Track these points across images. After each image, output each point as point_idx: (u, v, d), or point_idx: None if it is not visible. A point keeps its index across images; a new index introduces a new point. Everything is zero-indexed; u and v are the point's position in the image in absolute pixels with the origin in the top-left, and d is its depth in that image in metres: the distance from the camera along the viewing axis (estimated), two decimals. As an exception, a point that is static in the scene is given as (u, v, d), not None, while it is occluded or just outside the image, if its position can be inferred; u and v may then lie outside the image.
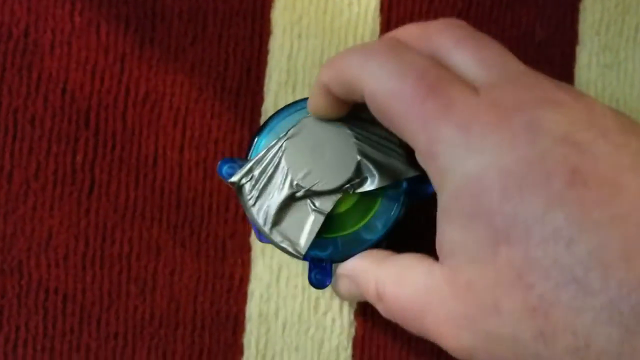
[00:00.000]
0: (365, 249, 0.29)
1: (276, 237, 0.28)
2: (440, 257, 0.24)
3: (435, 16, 0.37)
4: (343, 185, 0.28)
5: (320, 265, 0.29)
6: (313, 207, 0.28)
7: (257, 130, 0.30)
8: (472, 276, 0.22)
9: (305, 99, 0.30)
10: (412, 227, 0.35)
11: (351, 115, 0.29)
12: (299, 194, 0.28)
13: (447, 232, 0.23)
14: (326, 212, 0.28)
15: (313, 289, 0.35)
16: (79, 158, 0.34)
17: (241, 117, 0.35)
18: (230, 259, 0.35)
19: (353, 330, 0.35)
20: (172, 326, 0.34)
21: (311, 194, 0.28)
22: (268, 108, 0.36)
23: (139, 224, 0.34)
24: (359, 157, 0.28)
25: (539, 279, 0.20)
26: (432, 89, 0.23)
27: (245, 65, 0.36)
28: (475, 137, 0.22)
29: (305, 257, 0.29)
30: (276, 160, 0.28)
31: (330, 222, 0.29)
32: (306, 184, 0.28)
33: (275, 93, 0.36)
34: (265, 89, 0.36)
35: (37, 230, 0.34)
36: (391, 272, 0.26)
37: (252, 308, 0.35)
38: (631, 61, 0.38)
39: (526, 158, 0.21)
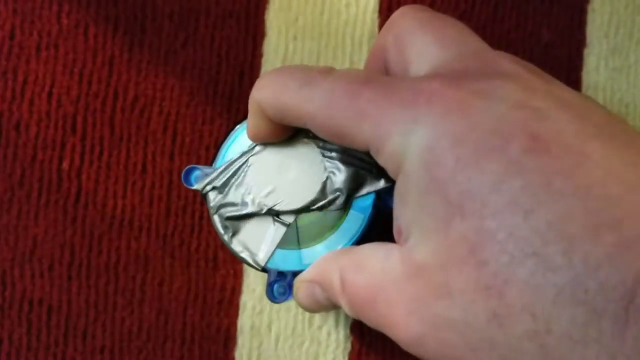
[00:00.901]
0: None
1: (236, 247, 0.27)
2: (400, 237, 0.22)
3: (437, 17, 0.36)
4: (308, 206, 0.27)
5: (283, 278, 0.28)
6: (275, 217, 0.27)
7: (225, 136, 0.29)
8: (425, 256, 0.20)
9: None
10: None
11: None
12: (261, 212, 0.27)
13: (403, 213, 0.21)
14: (288, 223, 0.27)
15: (308, 301, 0.34)
16: (65, 165, 0.33)
17: (234, 123, 0.34)
18: (221, 270, 0.34)
19: (349, 345, 0.34)
20: (161, 339, 0.33)
21: (274, 213, 0.27)
22: (262, 113, 0.34)
23: (126, 233, 0.33)
24: (325, 177, 0.27)
25: (493, 253, 0.18)
26: (365, 82, 0.21)
27: (239, 68, 0.34)
28: (422, 108, 0.20)
29: (264, 269, 0.27)
30: (241, 174, 0.27)
31: (292, 234, 0.27)
32: (269, 203, 0.27)
33: (270, 97, 0.34)
34: (259, 93, 0.34)
35: (21, 240, 0.33)
36: (353, 260, 0.24)
37: (244, 321, 0.34)
38: (642, 64, 0.37)
39: (480, 124, 0.19)
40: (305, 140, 0.27)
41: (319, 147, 0.27)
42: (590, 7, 0.37)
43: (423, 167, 0.20)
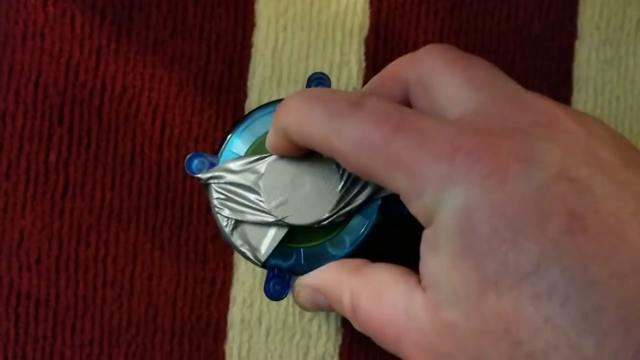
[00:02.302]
0: None
1: (236, 241, 0.27)
2: (423, 282, 0.22)
3: (428, 9, 0.35)
4: (318, 222, 0.27)
5: (280, 276, 0.27)
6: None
7: (232, 125, 0.28)
8: (456, 318, 0.20)
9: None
10: (386, 238, 0.33)
11: None
12: (267, 220, 0.27)
13: (430, 264, 0.21)
14: (295, 224, 0.27)
15: (298, 294, 0.34)
16: (52, 156, 0.33)
17: (223, 114, 0.34)
18: (211, 263, 0.33)
19: (340, 338, 0.34)
20: (150, 333, 0.33)
21: (281, 224, 0.27)
22: (252, 104, 0.34)
23: (115, 225, 0.33)
24: (338, 196, 0.27)
25: (529, 337, 0.18)
26: (397, 126, 0.21)
27: (228, 59, 0.34)
28: (460, 166, 0.20)
29: (264, 265, 0.27)
30: (253, 178, 0.27)
31: (295, 232, 0.27)
32: (279, 214, 0.26)
33: (259, 89, 0.34)
34: (249, 84, 0.34)
35: (8, 232, 0.32)
36: (368, 285, 0.24)
37: (235, 314, 0.33)
38: (632, 57, 0.37)
39: (519, 194, 0.19)
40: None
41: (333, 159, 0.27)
42: (581, -1, 0.37)
43: (458, 232, 0.20)
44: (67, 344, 0.32)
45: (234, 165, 0.27)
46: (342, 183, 0.26)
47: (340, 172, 0.26)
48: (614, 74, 0.37)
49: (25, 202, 0.33)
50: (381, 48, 0.35)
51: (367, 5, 0.35)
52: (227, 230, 0.27)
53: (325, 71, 0.34)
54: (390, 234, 0.34)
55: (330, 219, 0.26)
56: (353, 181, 0.26)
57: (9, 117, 0.33)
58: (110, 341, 0.32)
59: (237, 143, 0.28)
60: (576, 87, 0.37)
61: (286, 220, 0.26)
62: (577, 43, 0.37)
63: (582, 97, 0.37)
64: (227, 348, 0.33)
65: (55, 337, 0.32)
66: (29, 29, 0.33)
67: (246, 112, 0.34)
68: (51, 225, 0.33)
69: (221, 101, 0.34)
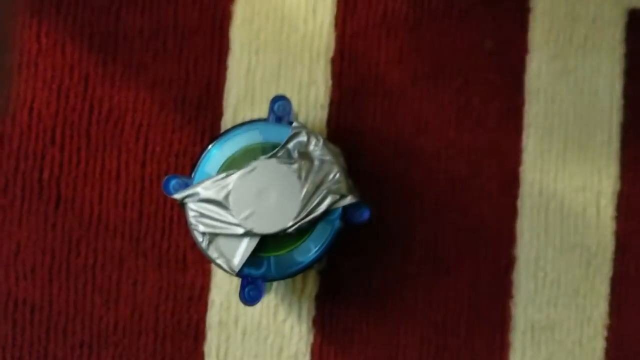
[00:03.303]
0: (300, 270, 0.30)
1: (212, 253, 0.30)
2: None
3: (388, 30, 0.38)
4: (283, 230, 0.29)
5: (254, 282, 0.30)
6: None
7: (204, 147, 0.31)
8: None
9: (256, 120, 0.31)
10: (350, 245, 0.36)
11: (302, 154, 0.30)
12: (238, 232, 0.29)
13: None
14: (263, 234, 0.30)
15: (272, 296, 0.37)
16: (45, 174, 0.36)
17: (201, 131, 0.37)
18: (191, 269, 0.36)
19: (311, 337, 0.37)
20: (135, 335, 0.36)
21: (252, 235, 0.30)
22: (227, 122, 0.37)
23: (102, 236, 0.36)
24: (302, 205, 0.30)
25: None
26: None
27: (205, 80, 0.37)
28: None
29: (238, 275, 0.30)
30: (223, 193, 0.30)
31: (265, 242, 0.30)
32: (248, 225, 0.29)
33: (234, 107, 0.37)
34: (225, 103, 0.37)
35: (5, 244, 0.35)
36: None
37: (213, 316, 0.36)
38: (581, 69, 0.40)
39: None
40: (287, 167, 0.30)
41: (299, 172, 0.30)
42: (531, 16, 0.40)
43: None
44: (60, 345, 0.35)
45: (206, 184, 0.30)
46: (303, 194, 0.29)
47: (302, 183, 0.29)
48: (564, 85, 0.40)
49: (21, 216, 0.36)
50: (346, 68, 0.38)
51: (333, 28, 0.38)
52: (204, 245, 0.30)
53: (294, 90, 0.38)
54: (352, 238, 0.37)
55: (295, 227, 0.29)
56: (314, 191, 0.30)
57: (6, 138, 0.36)
58: (99, 343, 0.35)
59: (209, 163, 0.31)
60: (528, 98, 0.39)
61: (255, 231, 0.29)
62: (528, 57, 0.40)
63: (533, 108, 0.39)
64: (206, 348, 0.36)
65: (48, 339, 0.35)
66: (24, 58, 0.36)
67: (222, 129, 0.37)
68: (45, 237, 0.36)
69: (199, 119, 0.37)
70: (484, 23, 0.39)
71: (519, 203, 0.38)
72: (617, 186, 0.39)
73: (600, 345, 0.38)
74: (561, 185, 0.39)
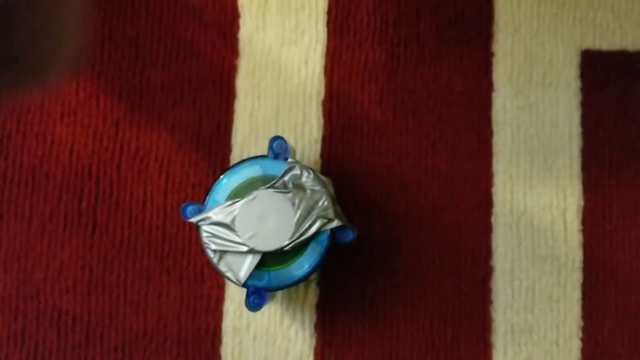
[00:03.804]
0: (295, 282, 0.36)
1: (222, 268, 0.36)
2: None
3: (370, 76, 0.45)
4: (280, 248, 0.35)
5: (258, 292, 0.36)
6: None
7: (214, 179, 0.37)
8: None
9: (257, 157, 0.37)
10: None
11: (296, 184, 0.36)
12: (243, 250, 0.35)
13: None
14: (263, 252, 0.36)
15: (278, 305, 0.42)
16: (83, 204, 0.43)
17: (214, 165, 0.43)
18: (207, 283, 0.42)
19: (314, 340, 0.42)
20: (161, 340, 0.41)
21: (254, 252, 0.36)
22: (235, 156, 0.43)
23: (132, 256, 0.42)
24: (295, 227, 0.35)
25: None
26: None
27: (216, 123, 0.44)
28: None
29: (244, 285, 0.36)
30: (230, 217, 0.36)
31: (266, 258, 0.36)
32: (250, 244, 0.35)
33: (241, 144, 0.44)
34: (233, 141, 0.44)
35: (50, 264, 0.42)
36: None
37: (227, 323, 0.42)
38: (541, 103, 0.45)
39: None
40: (283, 196, 0.36)
41: (292, 201, 0.35)
42: (494, 59, 0.45)
43: None
44: (97, 350, 0.41)
45: (216, 210, 0.36)
46: (296, 218, 0.35)
47: (295, 209, 0.35)
48: (527, 117, 0.45)
49: (64, 240, 0.42)
50: (335, 108, 0.44)
51: (322, 75, 0.45)
52: (215, 261, 0.36)
53: (291, 128, 0.44)
54: (346, 255, 0.42)
55: (290, 246, 0.35)
56: (306, 216, 0.36)
57: (51, 175, 0.43)
58: (130, 347, 0.41)
59: (219, 193, 0.37)
60: (496, 129, 0.45)
61: (257, 249, 0.35)
62: (494, 94, 0.45)
63: (501, 138, 0.45)
64: (222, 351, 0.42)
65: (88, 344, 0.41)
66: (65, 109, 0.44)
67: (231, 163, 0.43)
68: (84, 257, 0.42)
69: (212, 155, 0.43)
70: (453, 67, 0.45)
71: (493, 220, 0.43)
72: (581, 203, 0.43)
73: (576, 345, 0.42)
74: (530, 203, 0.43)
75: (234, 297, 0.42)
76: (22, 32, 0.26)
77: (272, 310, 0.42)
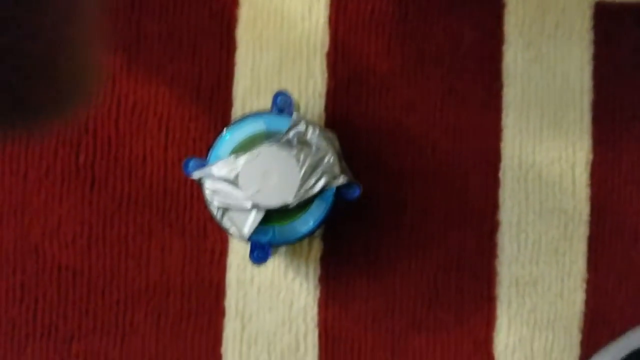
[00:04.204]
0: (300, 238, 0.36)
1: (226, 224, 0.35)
2: None
3: (377, 25, 0.43)
4: (285, 205, 0.35)
5: (261, 247, 0.36)
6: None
7: (217, 134, 0.37)
8: None
9: (260, 112, 0.36)
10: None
11: (301, 141, 0.35)
12: (247, 206, 0.35)
13: None
14: (268, 207, 0.35)
15: (282, 259, 0.42)
16: (81, 159, 0.42)
17: (214, 119, 0.42)
18: (210, 237, 0.42)
19: (318, 293, 0.42)
20: (164, 294, 0.41)
21: (258, 208, 0.35)
22: (237, 110, 0.43)
23: (133, 211, 0.41)
24: (299, 183, 0.35)
25: None
26: None
27: (216, 75, 0.43)
28: None
29: (248, 241, 0.35)
30: (233, 173, 0.35)
31: (271, 214, 0.35)
32: (254, 200, 0.35)
33: (242, 98, 0.43)
34: (234, 94, 0.43)
35: (49, 219, 0.41)
36: None
37: (231, 276, 0.42)
38: (553, 55, 0.44)
39: None
40: (287, 152, 0.35)
41: (297, 157, 0.35)
42: (506, 10, 0.44)
43: None
44: (99, 304, 0.41)
45: (219, 165, 0.35)
46: (301, 175, 0.35)
47: (300, 166, 0.35)
48: (538, 70, 0.44)
49: (62, 195, 0.41)
50: (340, 60, 0.43)
51: (327, 25, 0.43)
52: (218, 217, 0.35)
53: (294, 82, 0.43)
54: (351, 209, 0.42)
55: (294, 202, 0.35)
56: (311, 173, 0.35)
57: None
58: (133, 301, 0.41)
59: (221, 148, 0.36)
60: (506, 82, 0.44)
61: (261, 205, 0.35)
62: (504, 47, 0.44)
63: (511, 91, 0.44)
64: (226, 304, 0.41)
65: (89, 299, 0.41)
66: (61, 61, 0.42)
67: (232, 118, 0.42)
68: (82, 212, 0.41)
69: (212, 109, 0.43)
70: (463, 18, 0.44)
71: (501, 174, 0.43)
72: (590, 157, 0.43)
73: (580, 297, 0.42)
74: (539, 157, 0.43)
75: (238, 251, 0.42)
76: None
77: (276, 264, 0.42)
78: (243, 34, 0.43)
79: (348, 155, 0.42)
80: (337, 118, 0.43)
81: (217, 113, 0.42)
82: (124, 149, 0.42)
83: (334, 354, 0.41)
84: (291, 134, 0.35)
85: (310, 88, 0.43)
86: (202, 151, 0.42)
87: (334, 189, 0.35)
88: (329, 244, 0.42)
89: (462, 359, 0.42)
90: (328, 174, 0.35)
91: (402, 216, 0.42)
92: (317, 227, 0.36)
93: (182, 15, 0.42)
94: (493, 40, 0.44)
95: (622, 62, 0.43)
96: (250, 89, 0.43)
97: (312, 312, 0.42)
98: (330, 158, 0.35)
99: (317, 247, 0.42)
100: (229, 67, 0.43)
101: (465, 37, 0.44)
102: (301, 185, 0.35)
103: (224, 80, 0.43)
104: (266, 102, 0.42)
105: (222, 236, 0.42)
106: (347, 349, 0.41)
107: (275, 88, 0.43)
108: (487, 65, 0.44)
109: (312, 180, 0.35)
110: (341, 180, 0.35)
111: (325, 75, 0.43)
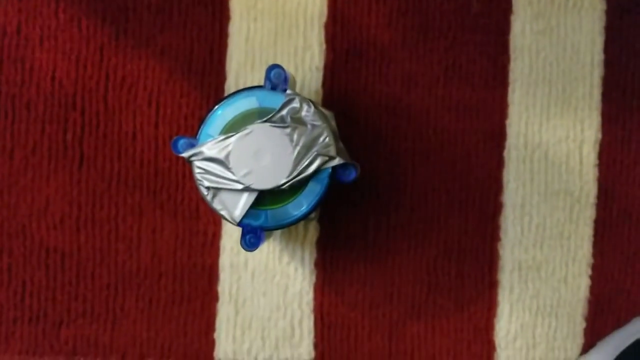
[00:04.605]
0: (293, 222, 0.34)
1: (217, 206, 0.34)
2: None
3: (378, -5, 0.41)
4: (277, 186, 0.33)
5: (253, 231, 0.34)
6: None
7: (207, 111, 0.35)
8: None
9: (253, 87, 0.34)
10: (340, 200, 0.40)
11: (295, 119, 0.33)
12: (238, 188, 0.33)
13: None
14: (260, 189, 0.33)
15: (277, 242, 0.41)
16: (69, 136, 0.40)
17: (207, 95, 0.40)
18: (203, 218, 0.40)
19: (314, 278, 0.41)
20: (156, 277, 0.40)
21: (249, 190, 0.33)
22: (230, 85, 0.41)
23: (123, 190, 0.40)
24: (292, 165, 0.33)
25: None
26: None
27: (208, 48, 0.40)
28: None
29: (239, 224, 0.34)
30: (224, 153, 0.33)
31: (263, 196, 0.34)
32: (246, 182, 0.33)
33: (236, 72, 0.41)
34: (227, 68, 0.41)
35: (36, 199, 0.40)
36: None
37: (225, 260, 0.40)
38: (563, 27, 0.42)
39: None
40: (280, 130, 0.33)
41: (290, 136, 0.33)
42: (515, -21, 0.42)
43: None
44: (89, 288, 0.40)
45: (209, 145, 0.33)
46: (295, 155, 0.33)
47: (294, 146, 0.33)
48: (547, 42, 0.42)
49: (49, 173, 0.40)
50: (339, 32, 0.41)
51: (325, -5, 0.41)
52: (209, 198, 0.34)
53: (291, 54, 0.41)
54: (348, 189, 0.40)
55: (288, 184, 0.33)
56: (305, 153, 0.33)
57: (32, 105, 0.40)
58: (123, 285, 0.40)
59: (212, 126, 0.34)
60: (513, 56, 0.42)
61: (252, 187, 0.33)
62: (512, 18, 0.42)
63: (518, 65, 0.42)
64: (219, 288, 0.40)
65: (78, 282, 0.40)
66: (45, 32, 0.40)
67: (225, 92, 0.40)
68: (71, 192, 0.40)
69: (204, 84, 0.41)
70: (468, -15, 0.41)
71: (505, 154, 0.41)
72: (599, 136, 0.41)
73: (585, 282, 0.41)
74: (545, 136, 0.41)
75: (232, 234, 0.40)
76: None
77: (270, 247, 0.40)
78: (237, 3, 0.41)
79: (345, 134, 0.40)
80: (335, 93, 0.41)
81: (210, 87, 0.40)
82: (112, 125, 0.40)
83: (330, 339, 0.40)
84: (285, 111, 0.33)
85: (308, 61, 0.41)
86: (194, 128, 0.40)
87: (330, 170, 0.34)
88: (325, 227, 0.41)
89: (461, 345, 0.41)
90: (323, 155, 0.33)
91: (401, 197, 0.41)
92: (311, 210, 0.34)
93: (172, -17, 0.40)
94: (500, 10, 0.42)
95: (636, 35, 0.41)
96: (244, 62, 0.41)
97: (308, 297, 0.40)
98: (325, 137, 0.33)
99: (313, 230, 0.41)
100: (222, 39, 0.40)
101: (471, 6, 0.42)
102: (294, 167, 0.33)
103: (216, 53, 0.40)
104: (260, 76, 0.41)
105: (215, 218, 0.40)
106: (344, 335, 0.40)
107: (271, 61, 0.41)
108: (494, 38, 0.42)
109: (306, 161, 0.33)
110: (336, 161, 0.33)
111: (324, 47, 0.41)
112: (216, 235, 0.40)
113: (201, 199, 0.40)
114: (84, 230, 0.40)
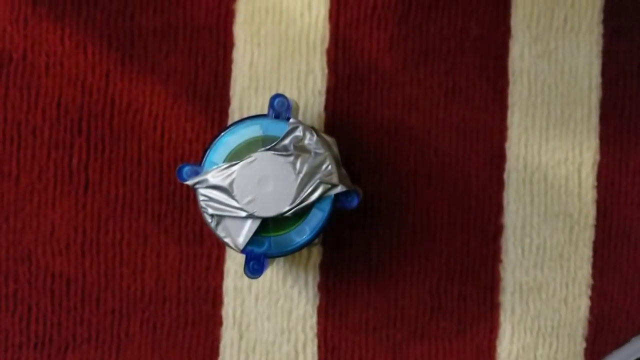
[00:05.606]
0: (296, 249, 0.35)
1: (220, 233, 0.34)
2: None
3: (379, 21, 0.42)
4: (280, 214, 0.33)
5: (257, 258, 0.34)
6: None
7: (211, 139, 0.35)
8: None
9: (257, 116, 0.35)
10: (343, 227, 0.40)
11: (298, 147, 0.34)
12: (241, 215, 0.34)
13: None
14: (263, 217, 0.34)
15: (281, 265, 0.41)
16: (74, 161, 0.40)
17: (211, 119, 0.41)
18: (207, 242, 0.40)
19: (317, 300, 0.41)
20: (160, 301, 0.40)
21: (252, 218, 0.34)
22: (234, 110, 0.41)
23: (128, 215, 0.40)
24: (296, 193, 0.33)
25: None
26: None
27: (213, 73, 0.41)
28: None
29: (242, 252, 0.34)
30: (228, 181, 0.34)
31: (266, 224, 0.34)
32: (249, 209, 0.34)
33: (240, 97, 0.41)
34: (231, 93, 0.41)
35: (42, 224, 0.40)
36: None
37: (229, 283, 0.41)
38: (561, 50, 0.43)
39: None
40: (284, 159, 0.33)
41: (294, 164, 0.33)
42: (513, 2, 0.43)
43: None
44: (94, 313, 0.40)
45: (213, 172, 0.34)
46: (298, 183, 0.33)
47: (297, 173, 0.33)
48: (545, 66, 0.43)
49: (55, 199, 0.40)
50: (340, 57, 0.42)
51: (327, 21, 0.42)
52: (212, 225, 0.34)
53: (294, 79, 0.41)
54: (351, 212, 0.41)
55: (291, 212, 0.34)
56: (308, 181, 0.34)
57: (38, 131, 0.40)
58: (128, 309, 0.40)
59: (217, 153, 0.35)
60: (512, 79, 0.42)
61: (255, 214, 0.33)
62: (511, 42, 0.42)
63: (517, 88, 0.43)
64: (223, 312, 0.40)
65: (83, 307, 0.40)
66: (51, 59, 0.41)
67: (230, 117, 0.41)
68: (76, 217, 0.40)
69: (209, 109, 0.41)
70: (468, 10, 0.42)
71: (505, 176, 0.42)
72: (597, 158, 0.42)
73: (585, 303, 0.42)
74: (544, 158, 0.42)
75: (235, 257, 0.41)
76: None
77: (274, 271, 0.41)
78: (240, 30, 0.41)
79: (348, 157, 0.40)
80: (337, 116, 0.41)
81: (214, 112, 0.41)
82: (118, 150, 0.40)
83: (335, 363, 0.41)
84: (288, 139, 0.34)
85: (310, 85, 0.41)
86: (199, 152, 0.41)
87: (332, 197, 0.34)
88: (328, 250, 0.41)
89: (465, 368, 0.41)
90: (325, 182, 0.34)
91: (404, 219, 0.41)
92: (314, 237, 0.35)
93: (178, 9, 0.41)
94: (499, 34, 0.42)
95: (633, 58, 0.42)
96: (248, 87, 0.41)
97: (312, 320, 0.41)
98: (328, 165, 0.34)
99: (316, 253, 0.41)
100: (226, 64, 0.41)
101: (470, 30, 0.42)
102: (297, 194, 0.33)
103: (221, 78, 0.41)
104: (264, 101, 0.41)
105: (218, 242, 0.40)
106: (347, 358, 0.41)
107: (274, 86, 0.41)
108: (493, 61, 0.42)
109: (309, 189, 0.34)
110: (339, 189, 0.34)
111: (326, 72, 0.41)
112: (220, 259, 0.41)
113: (205, 223, 0.40)
114: (89, 255, 0.40)
